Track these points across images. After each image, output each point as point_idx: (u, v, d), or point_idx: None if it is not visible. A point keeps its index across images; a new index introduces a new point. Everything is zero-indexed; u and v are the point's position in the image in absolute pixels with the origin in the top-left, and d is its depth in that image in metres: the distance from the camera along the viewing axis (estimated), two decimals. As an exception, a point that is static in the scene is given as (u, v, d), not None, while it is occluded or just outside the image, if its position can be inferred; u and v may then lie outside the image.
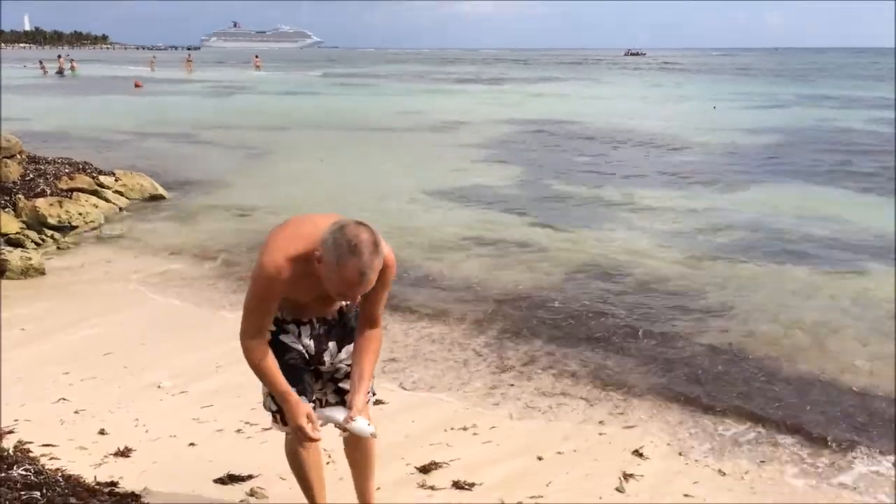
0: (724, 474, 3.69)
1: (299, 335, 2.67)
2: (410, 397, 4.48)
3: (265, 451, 3.70)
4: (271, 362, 2.54)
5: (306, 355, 2.68)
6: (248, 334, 2.53)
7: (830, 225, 9.06)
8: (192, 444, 3.82)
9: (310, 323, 2.69)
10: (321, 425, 2.64)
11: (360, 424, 2.52)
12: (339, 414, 2.58)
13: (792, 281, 6.91)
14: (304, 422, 2.50)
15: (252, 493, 3.34)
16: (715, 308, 6.16)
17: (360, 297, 2.44)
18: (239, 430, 3.98)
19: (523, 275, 7.06)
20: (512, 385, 4.68)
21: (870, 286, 6.73)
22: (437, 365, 5.00)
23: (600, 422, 4.21)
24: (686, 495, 3.47)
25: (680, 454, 3.88)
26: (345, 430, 2.58)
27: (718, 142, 17.07)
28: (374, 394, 2.74)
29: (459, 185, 11.68)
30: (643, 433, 4.09)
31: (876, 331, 5.66)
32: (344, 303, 2.71)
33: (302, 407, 2.52)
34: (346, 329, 2.74)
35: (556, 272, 7.15)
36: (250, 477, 3.47)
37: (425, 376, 4.80)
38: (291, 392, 2.54)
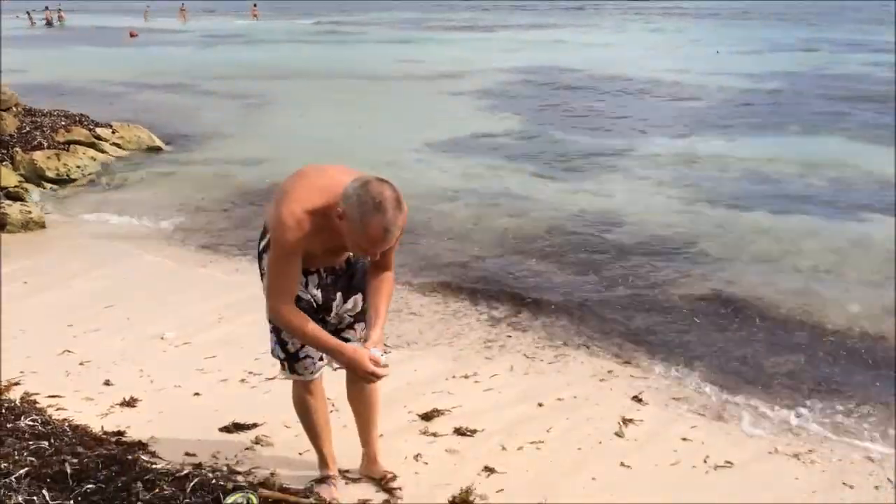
0: (723, 419, 3.75)
1: (306, 284, 2.66)
2: (404, 351, 4.47)
3: (269, 399, 3.76)
4: (311, 322, 2.51)
5: (314, 304, 2.68)
6: (281, 298, 2.49)
7: (831, 173, 8.99)
8: (196, 394, 3.87)
9: (317, 272, 2.68)
10: (328, 364, 2.75)
11: (375, 356, 2.55)
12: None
13: (790, 229, 6.90)
14: (371, 366, 2.49)
15: (258, 441, 3.39)
16: (712, 258, 6.16)
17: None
18: (243, 380, 4.02)
19: (513, 222, 7.04)
20: (509, 336, 4.71)
21: (869, 232, 6.73)
22: (425, 319, 4.98)
23: (603, 370, 4.25)
24: (684, 439, 3.53)
25: (679, 400, 3.93)
26: None
27: (720, 88, 16.81)
28: None
29: (454, 134, 11.52)
30: (643, 381, 4.13)
31: (874, 275, 5.69)
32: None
33: (361, 352, 2.50)
34: (352, 280, 2.75)
35: (550, 222, 7.10)
36: (255, 425, 3.52)
37: (412, 330, 4.79)
38: (344, 344, 2.55)
